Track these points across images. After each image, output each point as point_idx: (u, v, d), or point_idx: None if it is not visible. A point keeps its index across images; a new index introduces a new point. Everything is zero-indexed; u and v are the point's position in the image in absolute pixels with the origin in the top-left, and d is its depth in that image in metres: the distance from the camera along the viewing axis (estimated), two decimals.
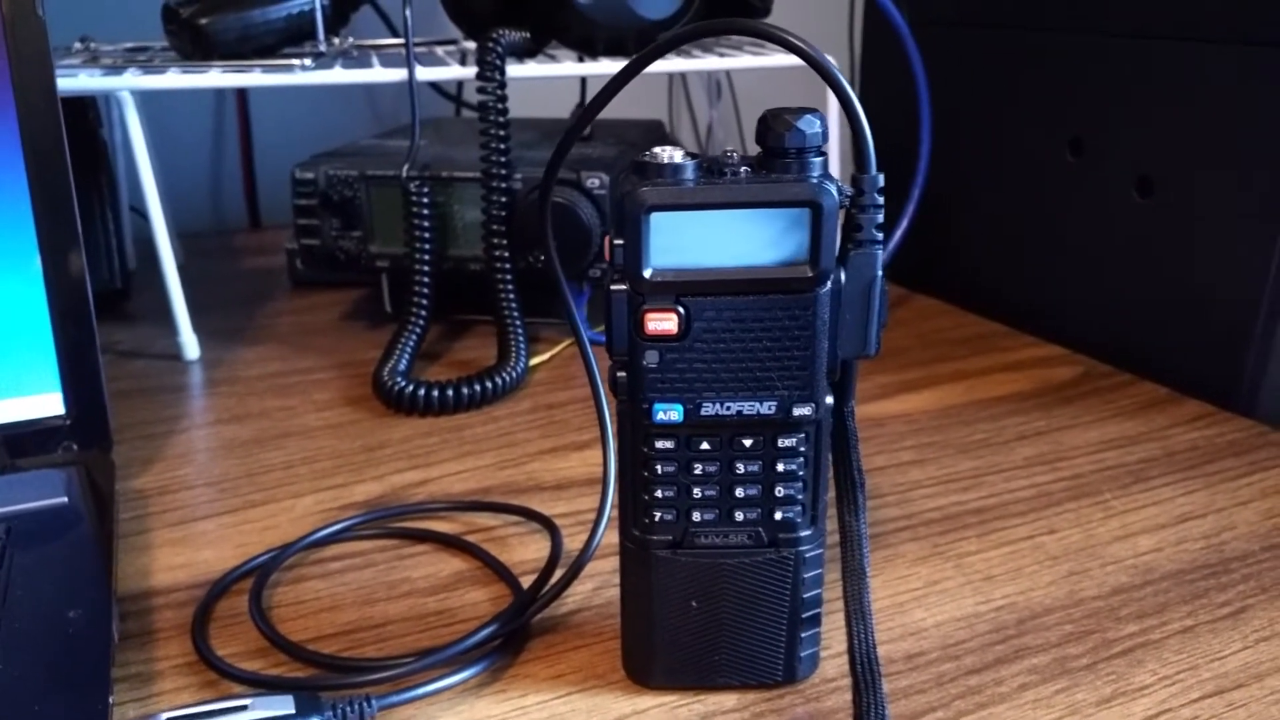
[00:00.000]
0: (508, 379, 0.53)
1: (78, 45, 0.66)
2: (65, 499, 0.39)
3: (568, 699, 0.32)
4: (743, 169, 0.27)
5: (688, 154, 0.27)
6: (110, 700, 0.29)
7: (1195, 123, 0.52)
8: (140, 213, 0.71)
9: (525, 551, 0.40)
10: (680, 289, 0.27)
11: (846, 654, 0.30)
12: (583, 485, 0.45)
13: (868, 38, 0.72)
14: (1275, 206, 0.49)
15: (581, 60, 0.63)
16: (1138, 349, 0.57)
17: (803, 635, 0.31)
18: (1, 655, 0.30)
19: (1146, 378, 0.56)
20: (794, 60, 0.28)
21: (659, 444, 0.29)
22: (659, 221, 0.27)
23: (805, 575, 0.31)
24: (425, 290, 0.57)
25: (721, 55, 0.65)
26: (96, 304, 0.44)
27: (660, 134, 0.75)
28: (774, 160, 0.27)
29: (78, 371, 0.43)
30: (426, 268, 0.57)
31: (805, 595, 0.31)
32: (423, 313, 0.57)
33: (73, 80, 0.55)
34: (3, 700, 0.28)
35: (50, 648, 0.31)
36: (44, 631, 0.31)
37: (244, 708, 0.28)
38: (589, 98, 0.81)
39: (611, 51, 0.61)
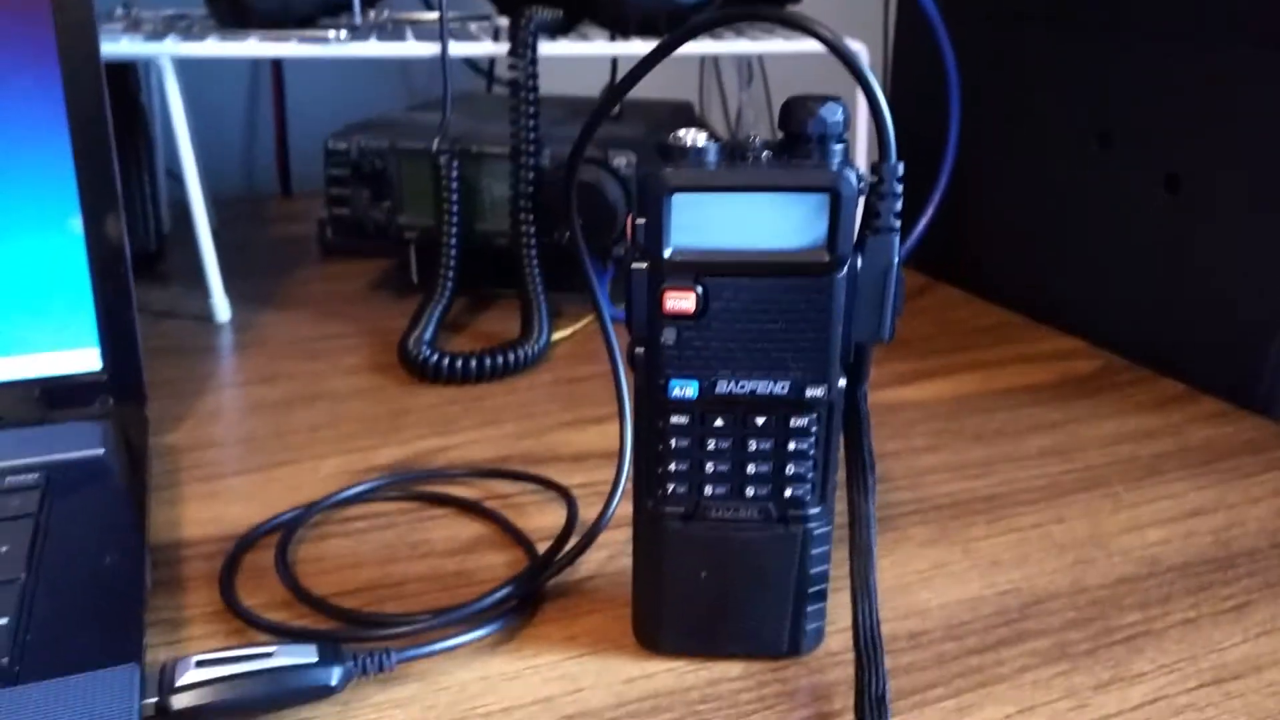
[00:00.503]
0: (530, 352, 0.54)
1: (119, 10, 0.68)
2: (101, 450, 0.41)
3: (579, 660, 0.33)
4: (764, 153, 0.28)
5: (711, 137, 0.28)
6: (145, 642, 0.30)
7: (1225, 122, 0.52)
8: (175, 176, 0.73)
9: (542, 519, 0.41)
10: (699, 269, 0.28)
11: (851, 630, 0.31)
12: (599, 457, 0.46)
13: (901, 25, 0.72)
14: None
15: (613, 39, 0.63)
16: (1158, 345, 0.57)
17: (808, 609, 0.32)
18: (44, 597, 0.32)
19: (1166, 374, 0.56)
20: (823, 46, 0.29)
21: (674, 419, 0.30)
22: (681, 202, 0.28)
23: (812, 551, 0.32)
24: (452, 262, 0.58)
25: (753, 39, 0.65)
26: (132, 265, 0.45)
27: (689, 115, 0.75)
28: (795, 146, 0.28)
29: (115, 328, 0.45)
30: (454, 240, 0.58)
31: (812, 571, 0.32)
32: (449, 284, 0.58)
33: (114, 45, 0.56)
34: (45, 639, 0.30)
35: (88, 591, 0.32)
36: (82, 576, 0.33)
37: (269, 654, 0.30)
38: (619, 77, 0.81)
39: (643, 31, 0.62)
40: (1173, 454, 0.47)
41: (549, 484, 0.43)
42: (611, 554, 0.38)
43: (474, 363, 0.53)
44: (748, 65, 0.90)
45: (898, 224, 0.29)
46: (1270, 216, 0.51)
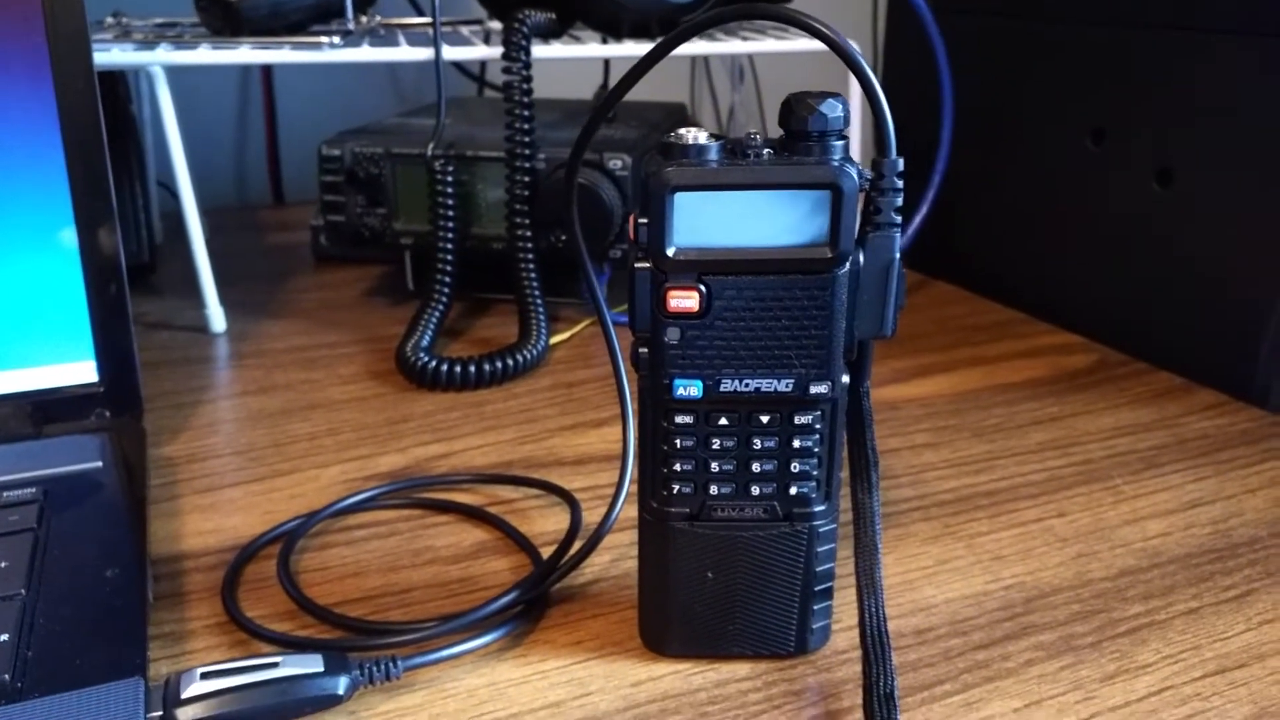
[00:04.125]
0: (528, 357, 0.54)
1: (109, 20, 0.67)
2: (99, 464, 0.40)
3: (586, 664, 0.33)
4: (765, 151, 0.28)
5: (712, 135, 0.28)
6: (148, 655, 0.30)
7: (1216, 115, 0.52)
8: (166, 187, 0.72)
9: (545, 524, 0.41)
10: (702, 267, 0.28)
11: (857, 627, 0.31)
12: (601, 461, 0.46)
13: (891, 23, 0.73)
14: None
15: (605, 42, 0.63)
16: (1153, 338, 0.57)
17: (815, 608, 0.32)
18: (45, 612, 0.31)
19: (1161, 366, 0.57)
20: (816, 45, 0.29)
21: (678, 419, 0.30)
22: (683, 201, 0.28)
23: (818, 549, 0.32)
24: (448, 268, 0.58)
25: (745, 39, 0.65)
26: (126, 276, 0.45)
27: (683, 116, 0.75)
28: (796, 143, 0.27)
29: (111, 340, 0.45)
30: (450, 246, 0.58)
31: (818, 569, 0.32)
32: (445, 290, 0.58)
33: (106, 55, 0.56)
34: (46, 655, 0.30)
35: (89, 606, 0.32)
36: (83, 589, 0.33)
37: (275, 665, 0.30)
38: (612, 79, 0.82)
39: (636, 34, 0.62)
40: (1170, 446, 0.48)
41: (551, 488, 0.43)
42: (615, 557, 0.38)
43: (473, 368, 0.53)
44: (739, 66, 0.91)
45: (899, 219, 0.29)
46: (1261, 208, 0.51)
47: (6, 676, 0.29)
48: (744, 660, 0.33)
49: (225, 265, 0.67)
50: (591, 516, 0.41)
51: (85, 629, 0.31)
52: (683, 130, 0.28)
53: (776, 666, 0.33)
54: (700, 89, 1.00)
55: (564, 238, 0.59)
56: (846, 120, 0.27)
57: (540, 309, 0.57)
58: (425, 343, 0.55)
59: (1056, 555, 0.39)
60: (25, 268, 0.43)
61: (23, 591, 0.32)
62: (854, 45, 0.28)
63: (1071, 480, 0.44)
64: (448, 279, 0.58)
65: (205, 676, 0.29)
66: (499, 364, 0.53)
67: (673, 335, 0.29)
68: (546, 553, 0.38)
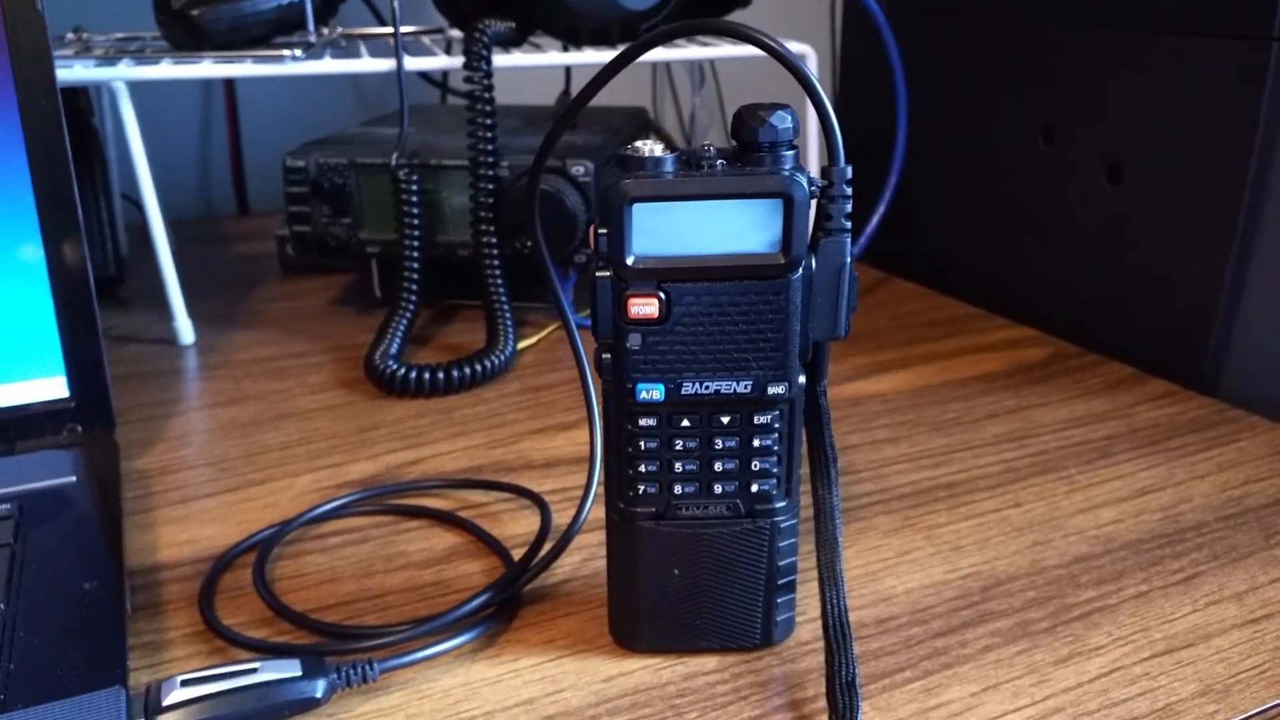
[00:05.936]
0: (496, 362, 0.55)
1: (70, 35, 0.67)
2: (73, 478, 0.41)
3: (558, 662, 0.34)
4: (719, 162, 0.29)
5: (667, 147, 0.29)
6: (128, 665, 0.31)
7: (1163, 113, 0.54)
8: (131, 200, 0.72)
9: (516, 526, 0.42)
10: (661, 275, 0.29)
11: (820, 619, 0.32)
12: (570, 464, 0.47)
13: (848, 26, 0.74)
14: (1235, 195, 0.51)
15: (566, 50, 0.64)
16: (1106, 331, 0.59)
17: (778, 601, 0.33)
18: (25, 623, 0.32)
19: (1114, 358, 0.58)
20: None
21: (642, 421, 0.31)
22: (641, 212, 0.28)
23: (780, 544, 0.33)
24: (415, 275, 0.59)
25: (705, 45, 0.66)
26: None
27: (644, 121, 0.76)
28: (749, 153, 0.29)
29: (81, 355, 0.45)
30: (416, 253, 0.59)
31: (780, 563, 0.33)
32: (413, 298, 0.59)
33: (69, 71, 0.56)
34: (28, 667, 0.30)
35: (68, 618, 0.32)
36: (62, 602, 0.33)
37: (254, 670, 0.30)
38: (573, 86, 0.83)
39: (596, 41, 0.63)
40: (1122, 435, 0.49)
41: (521, 492, 0.44)
42: (585, 557, 0.39)
43: (441, 375, 0.53)
44: (700, 70, 0.92)
45: (849, 225, 0.30)
46: (1208, 202, 0.53)
47: None
48: (712, 654, 0.34)
49: (192, 277, 0.67)
50: (561, 518, 0.42)
51: (65, 641, 0.31)
52: (639, 143, 0.29)
53: (743, 659, 0.34)
54: (662, 92, 1.01)
55: (529, 243, 0.60)
56: (796, 131, 0.29)
57: (507, 314, 0.58)
58: (394, 350, 0.56)
59: (1013, 544, 0.40)
60: None
61: (2, 606, 0.32)
62: (799, 52, 0.29)
63: (1027, 471, 0.46)
64: (414, 286, 0.59)
65: (185, 684, 0.30)
66: (467, 370, 0.54)
67: (634, 341, 0.30)
68: (517, 555, 0.39)
